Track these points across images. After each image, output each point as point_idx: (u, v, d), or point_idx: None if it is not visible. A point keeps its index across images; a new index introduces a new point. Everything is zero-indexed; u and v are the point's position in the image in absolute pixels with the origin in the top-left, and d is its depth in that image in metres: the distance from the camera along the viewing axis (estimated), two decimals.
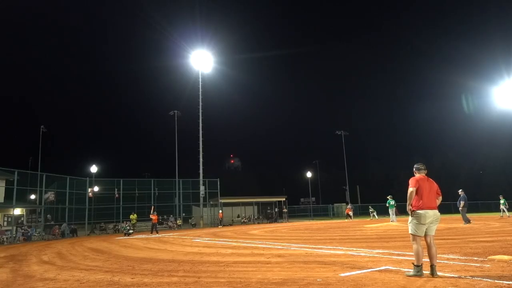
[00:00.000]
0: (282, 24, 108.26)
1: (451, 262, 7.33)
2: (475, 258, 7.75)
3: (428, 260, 6.03)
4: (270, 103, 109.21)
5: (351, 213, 38.96)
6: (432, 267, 5.96)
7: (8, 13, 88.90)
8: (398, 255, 8.73)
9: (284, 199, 42.40)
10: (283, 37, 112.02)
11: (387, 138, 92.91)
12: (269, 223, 36.85)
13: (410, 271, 6.12)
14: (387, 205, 25.82)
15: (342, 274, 6.53)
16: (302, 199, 67.20)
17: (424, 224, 6.09)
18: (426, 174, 6.48)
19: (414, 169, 6.59)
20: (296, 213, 48.90)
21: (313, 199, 61.94)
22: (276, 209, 41.10)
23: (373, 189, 61.87)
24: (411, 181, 6.36)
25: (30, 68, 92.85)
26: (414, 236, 6.17)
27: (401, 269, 6.71)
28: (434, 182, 6.42)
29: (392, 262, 7.66)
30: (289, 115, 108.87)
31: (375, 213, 36.63)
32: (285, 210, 41.23)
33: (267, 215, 40.81)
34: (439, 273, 5.96)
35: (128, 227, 23.94)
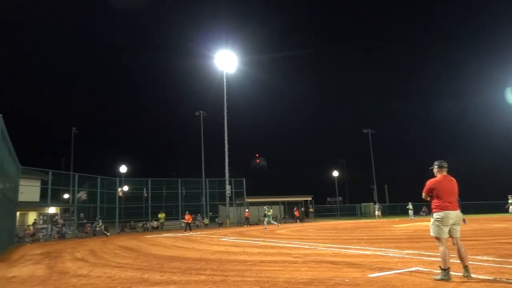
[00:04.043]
0: (307, 23, 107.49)
1: (485, 264, 7.08)
2: (511, 260, 7.45)
3: (459, 261, 5.85)
4: (295, 102, 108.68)
5: (378, 212, 38.07)
6: (466, 269, 5.77)
7: (46, 17, 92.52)
8: (429, 256, 8.51)
9: (310, 198, 42.11)
10: (308, 36, 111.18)
11: (417, 135, 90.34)
12: (295, 222, 36.71)
13: (437, 275, 5.90)
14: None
15: (371, 275, 6.43)
16: (328, 199, 66.47)
17: (446, 225, 5.87)
18: (447, 172, 6.24)
19: (434, 166, 6.26)
20: (323, 213, 48.44)
21: (340, 198, 61.21)
22: (303, 209, 40.88)
23: (403, 188, 60.48)
24: (426, 186, 6.17)
25: (62, 71, 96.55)
26: (438, 238, 5.95)
27: (432, 270, 6.54)
28: (455, 181, 6.18)
29: (422, 263, 7.48)
30: (314, 114, 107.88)
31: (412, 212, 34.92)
32: (311, 209, 40.94)
33: (293, 214, 40.67)
34: (472, 275, 5.77)
35: (97, 228, 24.37)
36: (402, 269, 6.90)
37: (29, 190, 25.01)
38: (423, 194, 6.26)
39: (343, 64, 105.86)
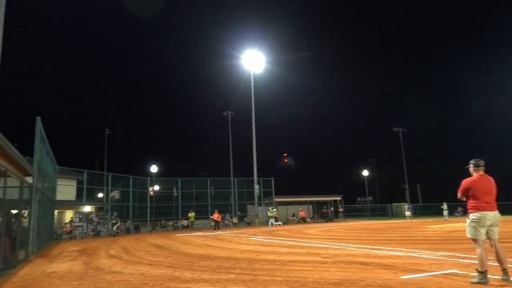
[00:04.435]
0: (333, 22, 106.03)
1: None
2: None
3: (498, 264, 5.61)
4: (323, 101, 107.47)
5: (409, 213, 36.99)
6: (505, 271, 5.53)
7: (82, 24, 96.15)
8: (465, 258, 8.21)
9: (339, 198, 41.55)
10: (335, 34, 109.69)
11: (451, 133, 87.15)
12: (325, 222, 36.33)
13: (473, 278, 5.67)
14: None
15: (403, 277, 6.28)
16: (358, 199, 65.32)
17: (483, 226, 5.63)
18: (484, 171, 5.98)
19: (470, 165, 6.01)
20: (353, 213, 47.67)
21: (370, 198, 60.04)
22: (332, 209, 40.41)
23: (437, 188, 58.61)
24: (462, 186, 5.95)
25: (95, 75, 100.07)
26: (475, 240, 5.72)
27: (469, 273, 6.30)
28: (492, 180, 5.91)
29: (458, 266, 7.23)
30: (343, 112, 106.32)
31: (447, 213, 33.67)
32: (340, 209, 40.40)
33: (322, 214, 40.26)
34: (511, 279, 5.52)
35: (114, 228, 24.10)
36: (437, 271, 6.69)
37: (66, 189, 26.09)
38: (459, 194, 6.04)
39: (371, 62, 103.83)
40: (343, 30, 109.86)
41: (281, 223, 26.68)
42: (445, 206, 33.70)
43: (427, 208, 50.52)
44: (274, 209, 26.29)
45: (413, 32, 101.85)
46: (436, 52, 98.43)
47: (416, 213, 49.44)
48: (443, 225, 23.26)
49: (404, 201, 51.21)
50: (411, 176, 54.74)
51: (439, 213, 37.60)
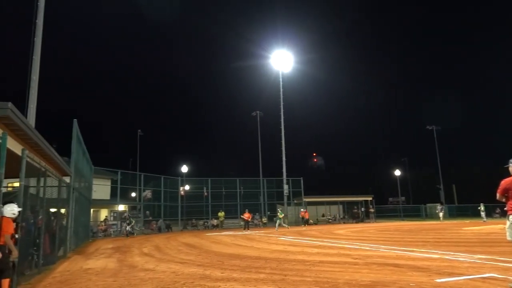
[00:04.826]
0: (364, 22, 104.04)
1: None
2: None
3: None
4: (353, 100, 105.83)
5: (441, 214, 35.67)
6: None
7: (110, 28, 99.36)
8: (504, 261, 7.85)
9: (370, 198, 40.73)
10: (367, 33, 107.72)
11: (489, 131, 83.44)
12: (355, 223, 35.72)
13: None
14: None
15: (439, 280, 6.08)
16: (390, 199, 63.73)
17: None
18: None
19: (510, 164, 5.75)
20: (384, 213, 46.57)
21: (403, 198, 58.42)
22: (363, 209, 39.68)
23: (474, 188, 56.30)
24: (500, 186, 5.70)
25: (128, 78, 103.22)
26: None
27: (508, 277, 6.03)
28: None
29: (497, 270, 6.92)
30: (374, 111, 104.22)
31: (484, 214, 32.21)
32: (371, 210, 39.60)
33: (353, 214, 39.61)
34: None
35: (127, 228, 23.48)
36: (474, 275, 6.44)
37: (101, 188, 27.01)
38: (498, 195, 5.79)
39: (404, 59, 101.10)
40: (374, 29, 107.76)
41: (288, 226, 26.64)
42: (482, 207, 32.30)
43: (464, 209, 48.61)
44: (281, 211, 26.75)
45: (445, 29, 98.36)
46: (470, 48, 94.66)
47: (452, 214, 47.70)
48: (480, 227, 22.35)
49: (439, 201, 49.51)
50: (446, 176, 52.89)
51: (476, 214, 36.11)
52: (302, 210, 34.00)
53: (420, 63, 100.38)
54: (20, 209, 6.55)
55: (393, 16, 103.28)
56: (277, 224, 25.87)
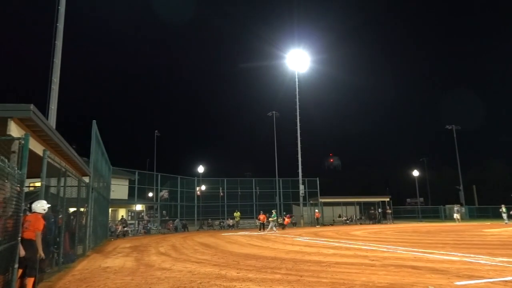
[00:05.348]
0: (384, 21, 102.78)
1: None
2: None
3: None
4: (370, 100, 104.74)
5: (457, 215, 34.82)
6: None
7: (130, 33, 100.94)
8: None
9: (388, 199, 40.16)
10: (385, 32, 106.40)
11: (510, 131, 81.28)
12: (372, 224, 35.29)
13: None
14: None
15: (458, 283, 5.96)
16: (408, 200, 62.76)
17: None
18: None
19: None
20: (402, 215, 45.87)
21: (421, 199, 57.41)
22: (380, 210, 39.16)
23: (495, 189, 55.01)
24: None
25: (147, 80, 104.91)
26: None
27: None
28: None
29: None
30: (392, 110, 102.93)
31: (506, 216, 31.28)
32: (389, 210, 39.04)
33: (369, 215, 39.14)
34: None
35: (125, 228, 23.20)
36: (495, 278, 6.28)
37: (119, 188, 27.42)
38: None
39: (423, 59, 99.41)
40: (394, 27, 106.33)
41: (276, 230, 26.14)
42: (504, 209, 31.40)
43: (485, 210, 47.46)
44: (274, 214, 26.74)
45: (466, 28, 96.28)
46: (489, 46, 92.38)
47: (473, 216, 46.63)
48: (502, 229, 21.78)
49: (459, 203, 48.47)
50: (466, 176, 51.73)
51: (497, 216, 35.16)
52: (316, 211, 33.93)
53: (439, 62, 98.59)
54: (49, 205, 6.69)
55: (412, 14, 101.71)
56: (269, 227, 26.02)
